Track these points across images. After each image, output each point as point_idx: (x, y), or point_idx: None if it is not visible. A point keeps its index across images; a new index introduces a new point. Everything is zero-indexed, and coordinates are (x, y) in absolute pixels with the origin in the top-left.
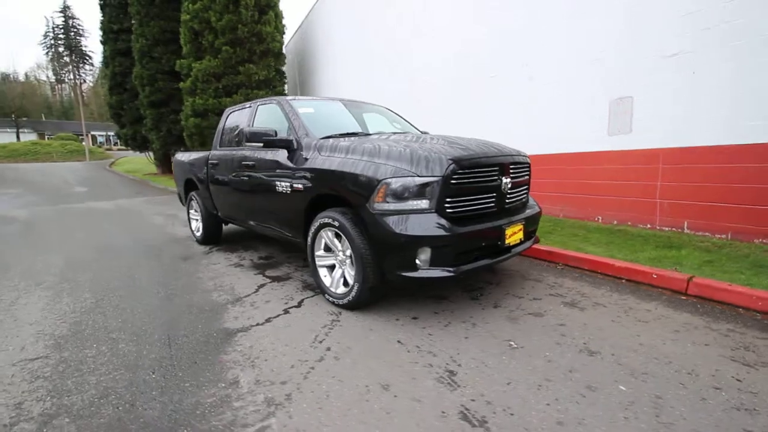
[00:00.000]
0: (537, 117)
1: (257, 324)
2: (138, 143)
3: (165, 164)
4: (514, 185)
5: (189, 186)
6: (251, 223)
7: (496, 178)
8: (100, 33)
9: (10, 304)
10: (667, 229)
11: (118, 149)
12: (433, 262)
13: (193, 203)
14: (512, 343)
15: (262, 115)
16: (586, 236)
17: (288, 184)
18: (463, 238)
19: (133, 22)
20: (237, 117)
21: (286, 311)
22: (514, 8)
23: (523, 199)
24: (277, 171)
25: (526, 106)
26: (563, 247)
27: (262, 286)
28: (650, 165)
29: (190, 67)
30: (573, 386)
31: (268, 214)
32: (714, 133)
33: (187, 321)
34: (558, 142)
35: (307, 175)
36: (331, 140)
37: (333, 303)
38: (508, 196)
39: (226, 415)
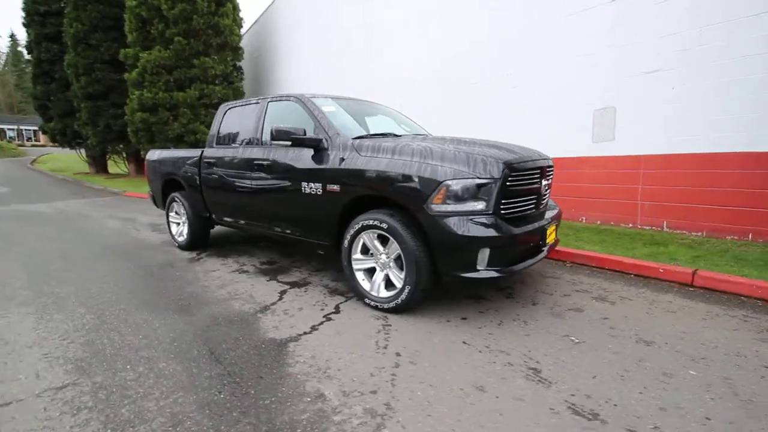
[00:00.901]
0: (524, 125)
1: (304, 333)
2: (68, 139)
3: (100, 162)
4: (547, 187)
5: (169, 187)
6: (257, 226)
7: (538, 180)
8: (23, 15)
9: None
10: (648, 228)
11: (32, 145)
12: (491, 263)
13: (175, 205)
14: (572, 338)
15: (274, 112)
16: (578, 235)
17: (319, 185)
18: (519, 239)
19: (64, 4)
20: (239, 114)
21: (327, 318)
22: (508, 22)
23: (549, 201)
24: (303, 171)
25: (513, 114)
26: (564, 246)
27: (283, 292)
28: (632, 170)
29: (137, 57)
30: (650, 374)
31: (285, 217)
32: (690, 142)
33: (222, 333)
34: (545, 148)
35: (346, 175)
36: (368, 140)
37: (375, 307)
38: (543, 197)
39: (332, 430)
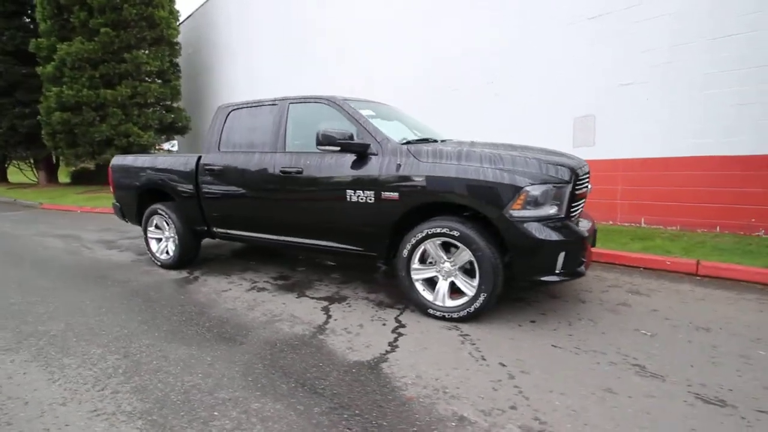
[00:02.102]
0: (506, 131)
1: (386, 351)
2: None
3: None
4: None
5: (148, 198)
6: (274, 239)
7: (586, 185)
8: None
9: None
10: (627, 224)
11: None
12: (565, 266)
13: (157, 219)
14: (643, 331)
15: (298, 115)
16: None
17: (371, 193)
18: (586, 242)
19: None
20: (248, 117)
21: (397, 333)
22: (494, 34)
23: None
24: (348, 179)
25: (495, 120)
26: None
27: (326, 310)
28: (611, 172)
29: (53, 48)
30: (733, 358)
31: (323, 228)
32: (663, 147)
33: (295, 361)
34: None
35: (407, 182)
36: (424, 146)
37: (442, 317)
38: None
39: None
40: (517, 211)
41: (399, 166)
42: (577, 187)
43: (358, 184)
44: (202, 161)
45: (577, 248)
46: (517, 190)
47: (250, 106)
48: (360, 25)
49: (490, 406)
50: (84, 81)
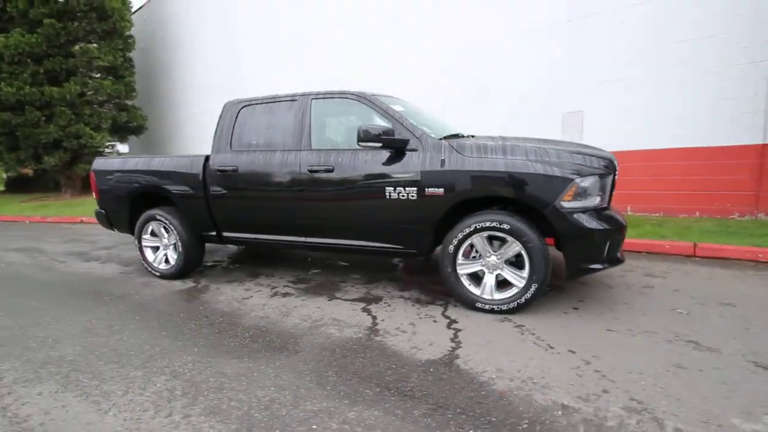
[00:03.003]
0: (496, 127)
1: (453, 348)
2: None
3: None
4: None
5: (142, 203)
6: (302, 240)
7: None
8: None
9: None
10: None
11: None
12: (609, 253)
13: (154, 226)
14: (679, 310)
15: (322, 111)
16: None
17: (413, 189)
18: (625, 229)
19: None
20: (263, 113)
21: (454, 329)
22: (480, 35)
23: None
24: (387, 176)
25: (485, 117)
26: None
27: (368, 311)
28: None
29: None
30: (766, 328)
31: (359, 227)
32: (645, 140)
33: (363, 365)
34: None
35: (454, 177)
36: (467, 141)
37: (490, 310)
38: None
39: None
40: (567, 203)
41: (443, 161)
42: (614, 179)
43: (400, 180)
44: (211, 162)
45: (619, 236)
46: (568, 182)
47: (265, 102)
48: (352, 25)
49: (585, 392)
50: (26, 77)
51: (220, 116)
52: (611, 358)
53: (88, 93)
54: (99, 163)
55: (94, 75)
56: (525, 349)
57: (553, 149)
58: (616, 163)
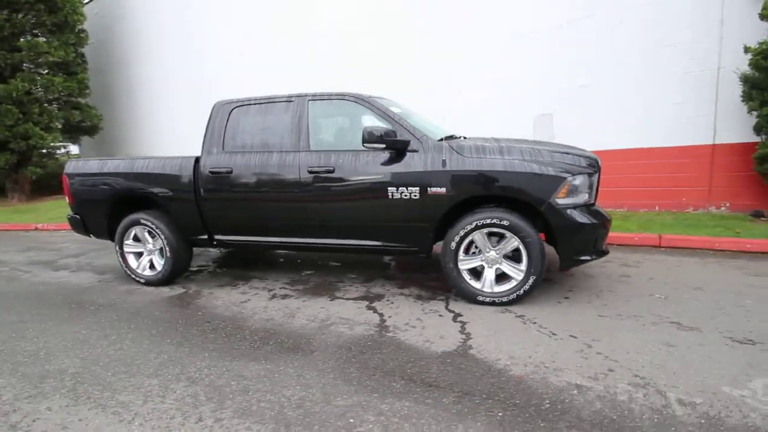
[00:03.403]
0: (471, 127)
1: (464, 340)
2: None
3: None
4: None
5: (122, 207)
6: (301, 241)
7: None
8: None
9: None
10: None
11: None
12: (597, 245)
13: (138, 231)
14: (657, 295)
15: (320, 112)
16: None
17: (416, 189)
18: (609, 223)
19: None
20: (258, 114)
21: (460, 322)
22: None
23: None
24: (389, 176)
25: (461, 117)
26: None
27: (372, 309)
28: None
29: None
30: (734, 308)
31: (357, 226)
32: (614, 140)
33: (385, 361)
34: None
35: (456, 177)
36: (465, 142)
37: (491, 303)
38: None
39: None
40: (561, 200)
41: (444, 161)
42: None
43: (403, 180)
44: (202, 163)
45: (605, 230)
46: (561, 180)
47: (259, 103)
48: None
49: (593, 372)
50: None
51: (210, 117)
52: (609, 340)
53: (37, 90)
54: (73, 166)
55: (42, 71)
56: (530, 337)
57: (546, 150)
58: (600, 163)
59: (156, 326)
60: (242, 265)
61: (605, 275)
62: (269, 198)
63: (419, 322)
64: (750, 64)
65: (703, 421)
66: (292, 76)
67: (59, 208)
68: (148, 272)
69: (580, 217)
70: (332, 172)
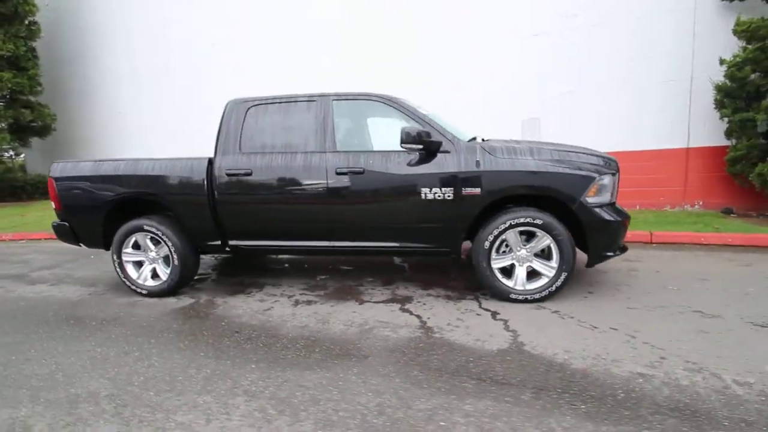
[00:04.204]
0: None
1: (513, 337)
2: None
3: None
4: None
5: (120, 213)
6: (327, 244)
7: None
8: None
9: None
10: None
11: None
12: (620, 242)
13: (139, 238)
14: (670, 287)
15: (344, 112)
16: None
17: (449, 189)
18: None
19: None
20: (277, 114)
21: (503, 320)
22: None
23: None
24: (422, 177)
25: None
26: None
27: (407, 311)
28: None
29: None
30: (741, 296)
31: (387, 228)
32: (597, 144)
33: (444, 362)
34: None
35: (491, 178)
36: (496, 144)
37: (523, 300)
38: None
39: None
40: (591, 198)
41: (478, 162)
42: None
43: (436, 181)
44: (217, 165)
45: (626, 227)
46: (591, 180)
47: (278, 102)
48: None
49: (648, 361)
50: None
51: (224, 116)
52: (648, 331)
53: None
54: (61, 169)
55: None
56: (575, 331)
57: (572, 151)
58: (618, 164)
59: (180, 339)
60: (246, 272)
61: (614, 271)
62: (293, 200)
63: (460, 322)
64: (725, 76)
65: (763, 398)
66: (278, 70)
67: (11, 216)
68: (150, 282)
69: (608, 215)
70: (362, 173)
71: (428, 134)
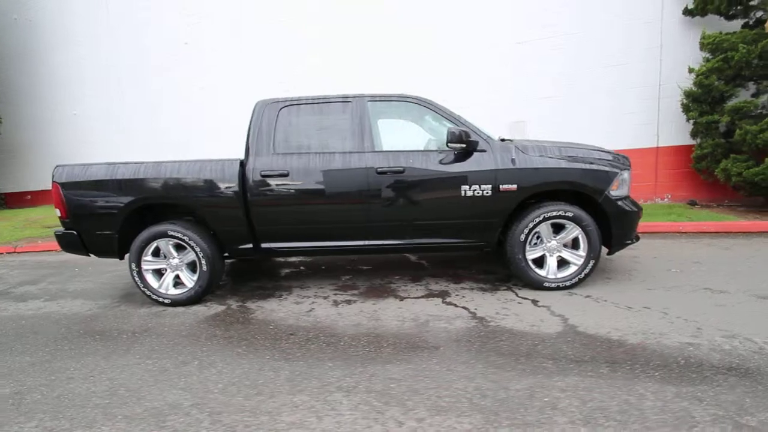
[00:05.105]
0: None
1: (563, 321)
2: None
3: None
4: None
5: (139, 219)
6: (366, 243)
7: None
8: None
9: None
10: None
11: None
12: (635, 232)
13: (161, 244)
14: (673, 270)
15: (380, 113)
16: None
17: (488, 186)
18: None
19: None
20: (312, 114)
21: (545, 306)
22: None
23: None
24: (462, 175)
25: None
26: None
27: (451, 303)
28: None
29: None
30: (736, 274)
31: (428, 225)
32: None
33: (515, 347)
34: None
35: (526, 175)
36: (527, 143)
37: (555, 288)
38: None
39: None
40: (614, 192)
41: (514, 160)
42: None
43: (476, 178)
44: (250, 166)
45: (640, 218)
46: (614, 174)
47: (311, 103)
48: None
49: (689, 332)
50: None
51: (254, 117)
52: (675, 307)
53: None
54: (68, 173)
55: None
56: (615, 312)
57: (594, 149)
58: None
59: (234, 346)
60: (261, 276)
61: (619, 257)
62: (332, 200)
63: (508, 311)
64: (694, 83)
65: None
66: (254, 71)
67: None
68: (173, 291)
69: (629, 207)
70: (402, 172)
71: (468, 134)
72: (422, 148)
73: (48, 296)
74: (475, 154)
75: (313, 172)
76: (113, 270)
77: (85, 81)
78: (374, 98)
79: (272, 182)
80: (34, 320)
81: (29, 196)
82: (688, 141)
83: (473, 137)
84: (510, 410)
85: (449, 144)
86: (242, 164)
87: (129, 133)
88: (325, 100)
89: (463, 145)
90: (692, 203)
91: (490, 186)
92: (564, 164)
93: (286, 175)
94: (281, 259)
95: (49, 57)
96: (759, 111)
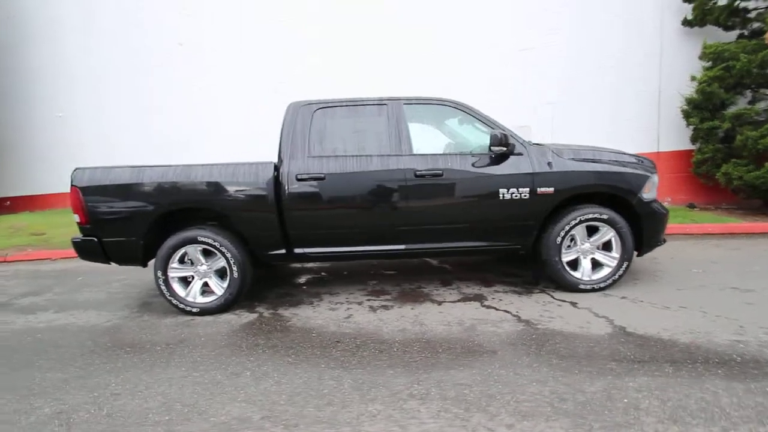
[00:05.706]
0: None
1: (609, 322)
2: None
3: None
4: None
5: (167, 224)
6: (403, 248)
7: None
8: None
9: None
10: None
11: None
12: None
13: (189, 251)
14: (695, 270)
15: (415, 116)
16: None
17: (526, 189)
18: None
19: None
20: (347, 117)
21: (586, 308)
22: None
23: None
24: (500, 178)
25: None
26: None
27: (491, 307)
28: None
29: None
30: (755, 273)
31: (466, 228)
32: None
33: (572, 350)
34: None
35: (563, 178)
36: (562, 147)
37: (591, 290)
38: None
39: None
40: (646, 194)
41: (550, 163)
42: None
43: (513, 182)
44: (285, 170)
45: (668, 219)
46: (646, 178)
47: (345, 106)
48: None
49: (733, 329)
50: None
51: (287, 119)
52: (711, 306)
53: None
54: (89, 177)
55: None
56: (655, 313)
57: (624, 153)
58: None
59: (282, 355)
60: (281, 284)
61: (640, 260)
62: (369, 204)
63: (550, 313)
64: (696, 91)
65: None
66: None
67: None
68: (201, 299)
69: (659, 209)
70: (441, 175)
71: (507, 138)
72: (456, 152)
73: (57, 307)
74: (512, 157)
75: (350, 175)
76: (122, 279)
77: (75, 79)
78: (410, 101)
79: (308, 185)
80: (51, 333)
81: (8, 202)
82: (687, 146)
83: (511, 141)
84: (595, 412)
85: (492, 147)
86: (276, 167)
87: (122, 134)
88: (360, 103)
89: (504, 149)
90: (691, 206)
91: (527, 189)
92: (599, 167)
93: (322, 179)
94: (298, 265)
95: (31, 55)
96: (756, 117)
